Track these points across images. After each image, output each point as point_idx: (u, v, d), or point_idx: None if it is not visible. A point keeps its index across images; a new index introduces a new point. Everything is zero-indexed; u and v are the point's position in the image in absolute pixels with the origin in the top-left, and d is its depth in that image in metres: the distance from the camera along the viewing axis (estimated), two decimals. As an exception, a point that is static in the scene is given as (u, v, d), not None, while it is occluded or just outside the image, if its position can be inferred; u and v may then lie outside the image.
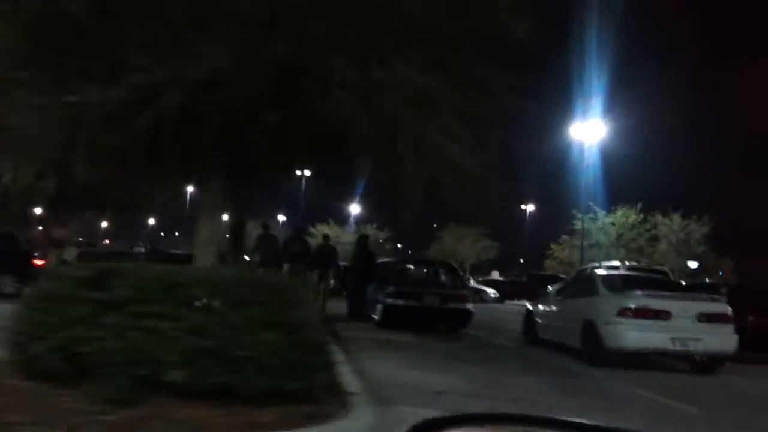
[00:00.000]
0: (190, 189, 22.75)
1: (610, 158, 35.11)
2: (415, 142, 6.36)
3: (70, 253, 23.10)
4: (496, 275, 50.47)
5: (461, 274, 16.69)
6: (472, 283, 36.72)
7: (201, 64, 5.56)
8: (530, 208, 59.77)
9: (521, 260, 75.62)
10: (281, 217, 63.31)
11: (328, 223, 61.07)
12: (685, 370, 9.84)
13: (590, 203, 37.67)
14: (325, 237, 16.08)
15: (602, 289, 10.26)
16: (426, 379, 7.52)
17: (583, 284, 11.13)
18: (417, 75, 6.10)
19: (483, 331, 14.49)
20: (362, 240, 16.23)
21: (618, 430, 1.22)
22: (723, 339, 9.31)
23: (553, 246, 49.87)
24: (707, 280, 34.17)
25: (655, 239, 39.49)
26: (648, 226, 39.11)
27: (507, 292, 34.76)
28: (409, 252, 72.81)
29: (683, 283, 15.28)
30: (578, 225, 39.78)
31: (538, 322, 12.06)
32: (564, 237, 45.90)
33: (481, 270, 54.66)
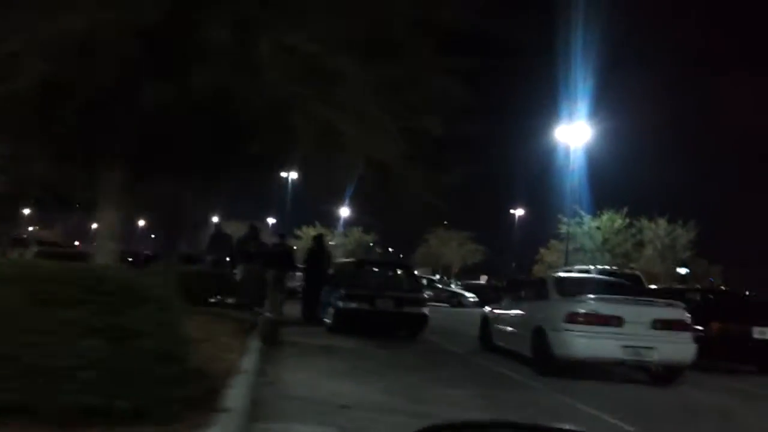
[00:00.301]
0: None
1: (596, 161, 34.55)
2: (315, 126, 5.64)
3: (29, 253, 22.59)
4: (484, 279, 49.89)
5: (418, 276, 15.98)
6: (453, 286, 36.04)
7: (56, 27, 4.84)
8: (521, 212, 59.33)
9: (513, 264, 75.20)
10: (271, 220, 62.60)
11: (314, 226, 60.42)
12: (643, 381, 9.13)
13: (575, 207, 37.10)
14: (281, 236, 15.35)
15: (553, 294, 9.54)
16: (341, 390, 6.78)
17: (537, 288, 10.41)
18: (314, 46, 5.38)
19: (443, 336, 13.78)
20: (317, 239, 15.48)
21: None
22: (679, 348, 8.58)
23: (542, 250, 49.34)
24: (696, 286, 33.50)
25: (640, 244, 38.87)
26: (634, 230, 38.51)
27: (488, 296, 34.02)
28: (401, 255, 72.12)
29: (653, 287, 14.56)
30: (564, 229, 39.26)
31: (493, 328, 11.34)
32: (554, 242, 45.35)
33: (471, 274, 54.11)
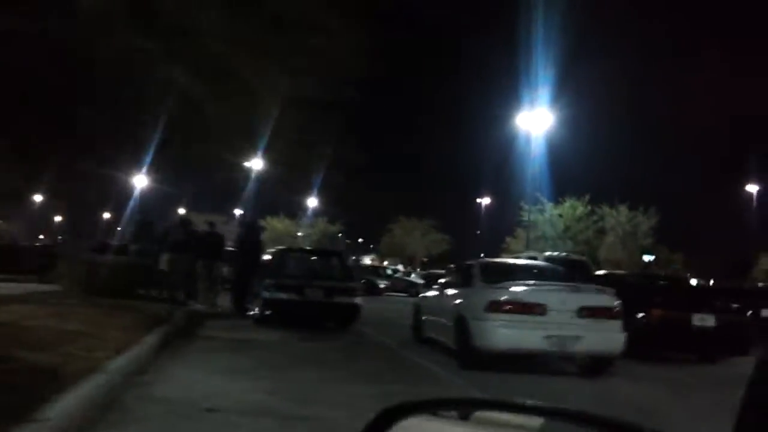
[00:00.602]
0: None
1: (558, 149, 34.10)
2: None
3: None
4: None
5: (350, 264, 15.32)
6: (412, 276, 35.48)
7: None
8: (488, 201, 58.90)
9: (482, 255, 74.92)
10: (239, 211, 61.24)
11: (278, 216, 59.45)
12: (573, 372, 8.58)
13: (537, 195, 36.79)
14: (211, 224, 14.48)
15: (477, 281, 8.94)
16: (224, 389, 6.10)
17: (463, 275, 9.79)
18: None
19: (381, 327, 13.15)
20: (248, 225, 14.66)
21: (625, 423, 1.02)
22: (607, 337, 8.01)
23: (508, 239, 49.08)
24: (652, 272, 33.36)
25: (602, 231, 38.73)
26: (596, 218, 38.34)
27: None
28: (371, 246, 71.55)
29: (601, 273, 14.07)
30: (526, 217, 38.95)
31: (424, 318, 10.72)
32: (520, 230, 45.07)
33: (440, 264, 53.62)
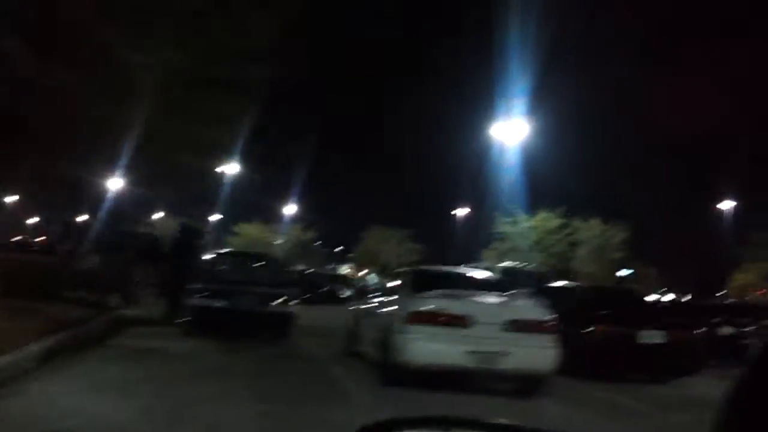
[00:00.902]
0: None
1: (535, 159, 33.52)
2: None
3: None
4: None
5: (287, 270, 14.58)
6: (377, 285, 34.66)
7: None
8: (466, 211, 58.19)
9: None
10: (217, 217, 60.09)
11: (253, 222, 58.35)
12: (503, 391, 7.87)
13: (510, 207, 36.31)
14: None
15: (408, 290, 8.24)
16: (91, 406, 5.42)
17: (399, 283, 9.09)
18: None
19: (322, 338, 12.39)
20: (183, 228, 13.85)
21: None
22: (537, 354, 7.30)
23: (484, 251, 48.53)
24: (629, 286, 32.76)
25: (575, 244, 38.28)
26: (569, 230, 37.89)
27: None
28: (349, 255, 70.51)
29: (556, 285, 13.41)
30: (500, 229, 38.49)
31: (358, 329, 9.98)
32: (496, 242, 44.53)
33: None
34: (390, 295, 9.12)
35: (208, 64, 9.50)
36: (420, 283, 8.31)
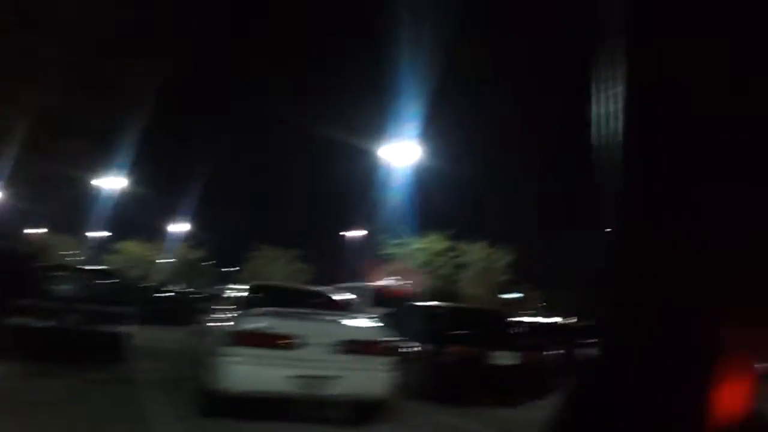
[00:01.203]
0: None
1: (425, 184, 33.56)
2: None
3: None
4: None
5: (131, 287, 13.45)
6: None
7: None
8: (360, 233, 57.83)
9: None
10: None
11: (135, 240, 55.35)
12: (336, 419, 7.23)
13: (399, 228, 36.31)
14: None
15: (239, 307, 7.45)
16: None
17: (235, 300, 8.28)
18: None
19: (160, 361, 11.25)
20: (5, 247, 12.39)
21: None
22: (371, 378, 6.69)
23: (370, 272, 48.19)
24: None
25: (461, 267, 38.67)
26: (455, 253, 38.23)
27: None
28: (240, 272, 68.20)
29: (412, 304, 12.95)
30: (387, 251, 38.38)
31: (194, 350, 9.07)
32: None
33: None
34: (225, 312, 8.29)
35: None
36: (254, 300, 7.56)
